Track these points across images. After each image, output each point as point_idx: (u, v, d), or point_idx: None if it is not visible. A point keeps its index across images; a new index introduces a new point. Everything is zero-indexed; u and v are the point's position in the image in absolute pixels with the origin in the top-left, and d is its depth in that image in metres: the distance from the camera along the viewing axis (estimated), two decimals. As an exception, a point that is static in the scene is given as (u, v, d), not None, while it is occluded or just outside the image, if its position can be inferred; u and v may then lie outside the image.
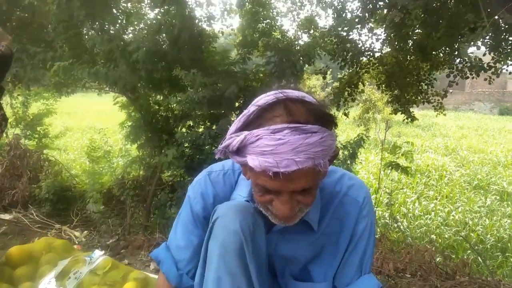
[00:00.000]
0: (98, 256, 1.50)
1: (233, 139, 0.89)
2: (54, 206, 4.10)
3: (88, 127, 12.81)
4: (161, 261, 1.18)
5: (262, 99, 0.91)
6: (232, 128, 0.92)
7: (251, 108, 0.91)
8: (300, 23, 5.43)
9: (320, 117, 0.89)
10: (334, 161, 3.39)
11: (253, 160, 0.86)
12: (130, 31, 3.96)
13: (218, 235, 1.02)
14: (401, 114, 5.20)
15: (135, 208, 4.03)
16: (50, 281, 1.40)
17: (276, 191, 0.91)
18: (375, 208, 5.11)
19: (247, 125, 0.90)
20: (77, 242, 3.34)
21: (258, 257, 1.05)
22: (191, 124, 3.79)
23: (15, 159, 4.36)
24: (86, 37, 3.17)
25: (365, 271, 1.13)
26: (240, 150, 0.90)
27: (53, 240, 1.63)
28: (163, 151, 3.58)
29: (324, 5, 5.14)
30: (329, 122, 0.91)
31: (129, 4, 4.17)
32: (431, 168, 8.75)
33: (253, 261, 1.02)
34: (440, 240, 4.88)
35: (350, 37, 4.61)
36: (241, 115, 0.92)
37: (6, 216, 3.80)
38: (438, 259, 3.65)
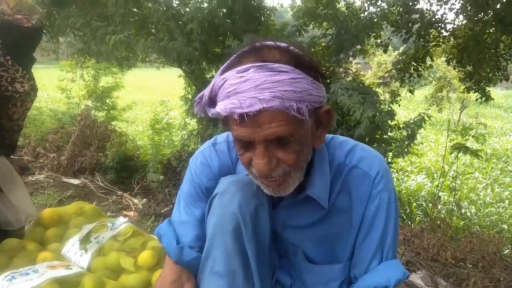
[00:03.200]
0: (121, 223, 1.57)
1: (205, 89, 0.86)
2: (118, 174, 4.36)
3: (157, 101, 13.36)
4: (161, 236, 1.09)
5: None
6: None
7: (231, 58, 0.87)
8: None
9: (295, 59, 0.82)
10: (391, 146, 3.16)
11: (219, 105, 0.81)
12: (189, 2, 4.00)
13: (215, 213, 0.98)
14: (474, 92, 4.75)
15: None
16: (74, 244, 1.49)
17: (249, 141, 0.84)
18: (439, 192, 4.83)
19: (221, 74, 0.85)
20: (133, 209, 3.54)
21: (259, 238, 0.99)
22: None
23: (85, 128, 4.69)
24: (143, 9, 3.25)
25: (386, 257, 0.99)
26: (212, 100, 0.85)
27: (84, 205, 1.74)
28: (216, 124, 3.61)
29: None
30: (308, 67, 0.83)
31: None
32: (510, 152, 8.14)
33: (252, 244, 0.97)
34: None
35: (418, 6, 4.24)
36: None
37: (75, 181, 4.12)
38: (506, 251, 3.35)
